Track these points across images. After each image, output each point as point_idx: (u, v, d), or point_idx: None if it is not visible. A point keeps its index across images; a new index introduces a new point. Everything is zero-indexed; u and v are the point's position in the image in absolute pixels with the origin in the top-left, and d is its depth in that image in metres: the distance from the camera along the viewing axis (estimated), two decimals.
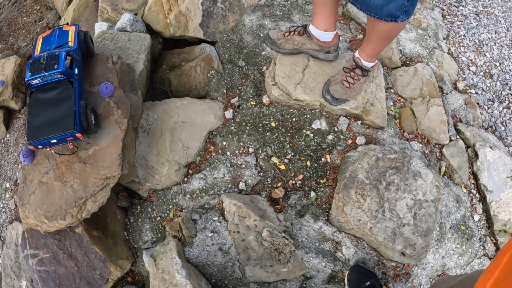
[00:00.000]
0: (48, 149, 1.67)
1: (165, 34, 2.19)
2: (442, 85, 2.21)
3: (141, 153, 1.94)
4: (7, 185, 2.41)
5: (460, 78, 2.30)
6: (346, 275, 1.79)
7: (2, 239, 2.33)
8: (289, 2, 2.39)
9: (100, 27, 2.17)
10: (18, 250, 2.15)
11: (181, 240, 1.81)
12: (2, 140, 2.57)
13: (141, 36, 2.07)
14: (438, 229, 1.88)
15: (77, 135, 1.61)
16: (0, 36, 3.42)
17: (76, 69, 1.73)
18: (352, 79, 1.93)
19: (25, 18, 3.46)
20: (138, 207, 1.94)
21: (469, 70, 2.33)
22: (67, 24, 1.92)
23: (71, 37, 1.83)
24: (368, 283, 1.69)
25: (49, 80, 1.69)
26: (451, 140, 2.06)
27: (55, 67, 1.66)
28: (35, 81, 1.70)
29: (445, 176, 2.00)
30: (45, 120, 1.64)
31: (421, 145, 2.03)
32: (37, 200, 1.76)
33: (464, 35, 2.46)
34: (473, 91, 2.27)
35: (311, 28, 1.93)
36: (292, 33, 2.00)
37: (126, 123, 1.76)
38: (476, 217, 1.95)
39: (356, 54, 1.92)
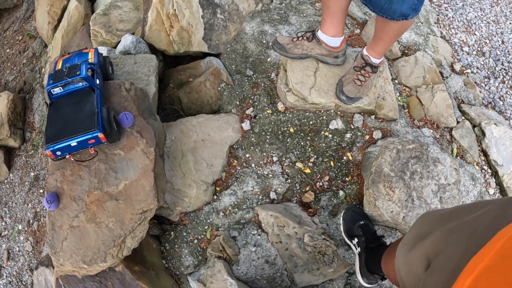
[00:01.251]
0: (67, 156, 1.55)
1: (169, 52, 2.11)
2: (442, 69, 2.28)
3: None
4: (20, 227, 2.29)
5: (456, 60, 2.38)
6: (342, 214, 1.84)
7: (24, 283, 2.23)
8: (283, 4, 2.36)
9: (99, 51, 2.06)
10: None
11: (226, 260, 1.80)
12: (6, 181, 2.42)
13: (147, 57, 1.98)
14: None
15: (99, 135, 1.51)
16: None
17: (98, 80, 1.67)
18: (363, 76, 1.96)
19: (8, 50, 3.22)
20: (172, 232, 1.90)
21: (462, 50, 2.41)
22: (86, 47, 1.83)
23: (91, 56, 1.78)
24: (362, 222, 1.74)
25: (70, 89, 1.63)
26: (458, 122, 2.14)
27: (77, 73, 1.61)
28: (56, 90, 1.63)
29: (458, 157, 2.09)
30: (65, 124, 1.55)
31: (431, 131, 2.10)
32: (71, 246, 1.68)
33: (452, 17, 2.53)
34: (469, 70, 2.35)
35: (320, 34, 1.93)
36: (300, 38, 1.99)
37: (154, 151, 1.70)
38: (491, 191, 2.06)
39: (364, 52, 1.94)
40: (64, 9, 2.77)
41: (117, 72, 1.95)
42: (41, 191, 2.28)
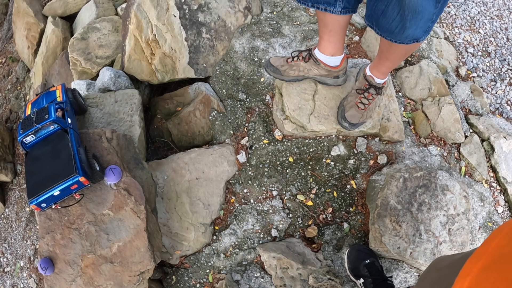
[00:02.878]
0: (53, 206, 1.43)
1: (153, 81, 1.84)
2: (447, 77, 2.01)
3: (160, 220, 1.70)
4: (21, 264, 2.14)
5: (461, 63, 2.10)
6: (346, 252, 1.70)
7: None
8: (274, 13, 2.04)
9: (78, 87, 1.79)
10: None
11: None
12: (3, 216, 2.24)
13: (128, 94, 1.73)
14: (470, 236, 1.80)
15: (80, 179, 1.37)
16: None
17: (69, 119, 1.51)
18: (367, 99, 1.70)
19: None
20: (173, 276, 1.74)
21: (467, 52, 2.12)
22: (53, 85, 1.61)
23: (58, 94, 1.59)
24: (368, 261, 1.61)
25: (43, 134, 1.48)
26: (466, 137, 1.91)
27: (46, 117, 1.46)
28: (29, 138, 1.48)
29: (466, 176, 1.88)
30: (44, 174, 1.42)
31: (438, 148, 1.88)
32: None
33: (455, 14, 2.22)
34: (475, 74, 2.09)
35: (317, 53, 1.65)
36: (296, 59, 1.71)
37: (144, 209, 1.51)
38: (500, 209, 1.88)
39: (368, 72, 1.68)
40: (42, 32, 2.45)
41: (97, 114, 1.70)
42: (38, 227, 2.11)
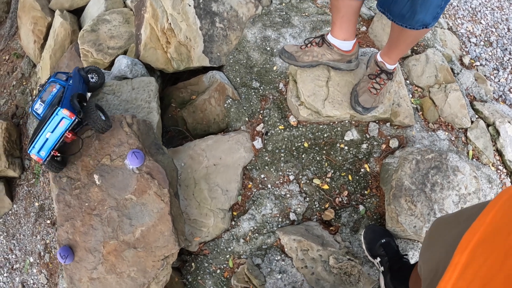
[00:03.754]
0: (52, 152, 1.40)
1: (168, 70, 1.84)
2: (452, 65, 2.08)
3: None
4: (31, 260, 2.10)
5: (464, 52, 2.17)
6: (363, 233, 1.73)
7: None
8: (283, 4, 2.08)
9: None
10: None
11: None
12: (10, 212, 2.19)
13: (145, 81, 1.72)
14: None
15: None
16: None
17: (71, 81, 1.52)
18: (379, 84, 1.74)
19: None
20: (193, 263, 1.73)
21: (470, 42, 2.19)
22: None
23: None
24: (384, 240, 1.63)
25: (49, 99, 1.49)
26: (472, 122, 1.96)
27: (48, 80, 1.53)
28: (38, 106, 1.50)
29: (474, 159, 1.93)
30: (39, 125, 1.42)
31: (446, 133, 1.93)
32: None
33: (457, 5, 2.29)
34: (478, 63, 2.16)
35: (330, 38, 1.69)
36: (309, 45, 1.74)
37: (168, 193, 1.50)
38: None
39: (379, 58, 1.72)
40: (49, 26, 2.42)
41: (115, 101, 1.69)
42: (48, 222, 2.08)
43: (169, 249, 1.47)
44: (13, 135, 2.29)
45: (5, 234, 2.22)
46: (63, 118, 1.36)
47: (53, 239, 2.02)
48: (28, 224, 2.13)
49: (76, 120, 1.39)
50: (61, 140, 1.39)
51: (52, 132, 1.37)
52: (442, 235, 0.80)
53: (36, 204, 2.16)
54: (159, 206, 1.49)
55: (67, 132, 1.38)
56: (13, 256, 2.16)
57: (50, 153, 1.39)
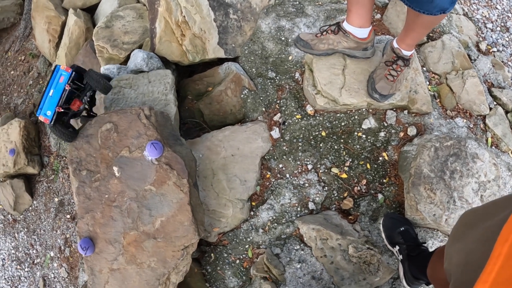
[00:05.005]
0: (56, 109, 1.49)
1: (184, 62, 1.83)
2: (469, 51, 2.04)
3: None
4: (52, 254, 2.11)
5: (480, 38, 2.13)
6: (381, 222, 1.70)
7: None
8: None
9: (108, 71, 1.78)
10: None
11: (272, 280, 1.64)
12: (31, 208, 2.20)
13: (161, 74, 1.72)
14: None
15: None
16: None
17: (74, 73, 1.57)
18: (395, 71, 1.71)
19: (12, 72, 2.87)
20: (212, 254, 1.73)
21: (486, 27, 2.15)
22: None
23: None
24: (402, 228, 1.61)
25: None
26: (490, 109, 1.92)
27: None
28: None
29: (493, 147, 1.89)
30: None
31: (465, 120, 1.89)
32: None
33: None
34: (495, 49, 2.11)
35: (346, 25, 1.67)
36: (325, 33, 1.72)
37: (187, 183, 1.49)
38: None
39: (395, 44, 1.69)
40: (63, 25, 2.43)
41: (132, 94, 1.69)
42: (68, 216, 2.09)
43: (188, 239, 1.46)
44: (31, 133, 2.31)
45: (25, 230, 2.24)
46: (61, 74, 1.48)
47: (73, 234, 2.03)
48: (48, 219, 2.15)
49: (73, 73, 1.49)
50: (64, 96, 1.49)
51: (55, 89, 1.48)
52: (472, 228, 0.79)
53: (56, 199, 2.17)
54: (179, 196, 1.48)
55: (67, 85, 1.48)
56: (34, 251, 2.18)
57: (55, 111, 1.48)
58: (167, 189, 1.49)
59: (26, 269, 2.20)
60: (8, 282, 2.24)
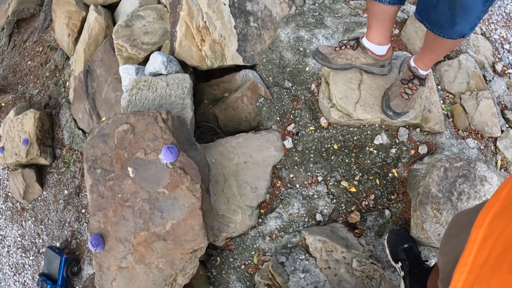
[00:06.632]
0: None
1: (202, 67, 1.87)
2: (484, 72, 2.06)
3: None
4: (58, 245, 2.15)
5: (497, 59, 2.15)
6: (386, 237, 1.74)
7: None
8: (316, 4, 2.08)
9: (126, 71, 1.82)
10: None
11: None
12: (40, 198, 2.25)
13: (180, 78, 1.76)
14: None
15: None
16: (8, 85, 2.88)
17: None
18: (411, 90, 1.74)
19: (29, 62, 2.91)
20: (218, 258, 1.77)
21: (503, 48, 2.17)
22: None
23: None
24: (406, 245, 1.64)
25: None
26: (502, 131, 1.95)
27: None
28: None
29: (502, 170, 1.92)
30: None
31: (476, 141, 1.92)
32: (120, 286, 1.57)
33: (491, 10, 2.27)
34: (510, 70, 2.13)
35: (365, 42, 1.70)
36: (343, 48, 1.75)
37: (200, 188, 1.53)
38: None
39: (412, 63, 1.72)
40: (83, 20, 2.46)
41: (150, 96, 1.73)
42: (77, 210, 2.13)
43: (198, 243, 1.51)
44: (45, 124, 2.35)
45: (33, 219, 2.28)
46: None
47: (81, 227, 2.07)
48: (56, 210, 2.19)
49: None
50: None
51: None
52: (462, 228, 0.82)
53: (66, 192, 2.22)
54: (191, 201, 1.52)
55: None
56: (40, 241, 2.23)
57: None
58: (180, 193, 1.53)
59: (31, 258, 2.25)
60: (11, 268, 2.29)
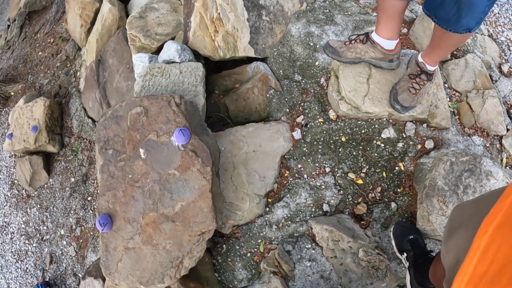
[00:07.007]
0: None
1: (214, 58, 1.94)
2: (491, 72, 2.13)
3: None
4: (62, 232, 2.19)
5: (503, 60, 2.23)
6: (392, 229, 1.78)
7: (67, 287, 2.15)
8: (327, 2, 2.16)
9: (140, 59, 1.89)
10: None
11: (282, 275, 1.72)
12: (46, 186, 2.30)
13: (193, 66, 1.82)
14: None
15: None
16: (18, 75, 2.96)
17: None
18: (418, 85, 1.81)
19: (40, 53, 2.99)
20: (224, 245, 1.81)
21: (510, 50, 2.25)
22: None
23: None
24: (411, 236, 1.68)
25: None
26: (507, 130, 2.01)
27: None
28: None
29: (507, 167, 1.98)
30: None
31: (481, 139, 1.98)
32: (126, 267, 1.59)
33: (498, 13, 2.35)
34: None
35: (374, 36, 1.77)
36: (353, 42, 1.82)
37: (210, 171, 1.58)
38: None
39: (420, 59, 1.79)
40: (96, 12, 2.55)
41: (163, 82, 1.79)
42: (83, 197, 2.17)
43: (206, 225, 1.55)
44: (55, 112, 2.41)
45: (38, 206, 2.32)
46: None
47: (86, 214, 2.12)
48: (62, 198, 2.23)
49: None
50: None
51: None
52: (463, 222, 0.84)
53: (72, 179, 2.26)
54: (201, 183, 1.57)
55: None
56: (44, 228, 2.26)
57: None
58: (190, 175, 1.58)
59: (34, 245, 2.28)
60: (14, 255, 2.32)
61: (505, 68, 2.19)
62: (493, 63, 2.16)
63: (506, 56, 2.24)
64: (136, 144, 1.65)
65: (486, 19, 2.34)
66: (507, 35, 2.28)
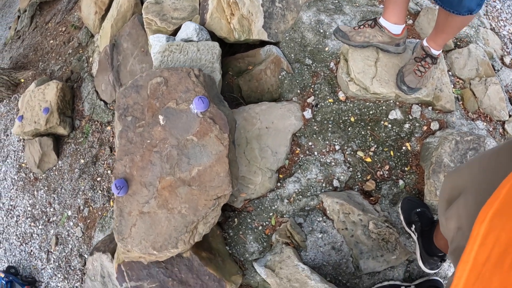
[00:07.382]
0: None
1: (230, 39, 2.06)
2: (493, 62, 2.28)
3: None
4: (69, 213, 2.24)
5: (505, 53, 2.38)
6: (400, 204, 1.85)
7: (72, 268, 2.18)
8: None
9: (157, 39, 2.00)
10: (106, 282, 2.02)
11: (294, 246, 1.78)
12: (55, 168, 2.35)
13: (210, 45, 1.94)
14: None
15: None
16: (28, 63, 3.06)
17: None
18: (423, 67, 1.94)
19: (51, 42, 3.11)
20: (235, 219, 1.88)
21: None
22: None
23: None
24: (419, 209, 1.75)
25: None
26: (510, 116, 2.14)
27: None
28: None
29: None
30: None
31: (485, 123, 2.10)
32: (140, 232, 1.64)
33: (500, 8, 2.53)
34: None
35: (382, 21, 1.91)
36: (362, 26, 1.97)
37: (228, 137, 1.67)
38: None
39: (425, 43, 1.93)
40: None
41: (181, 58, 1.90)
42: (92, 178, 2.23)
43: (222, 190, 1.62)
44: (67, 95, 2.49)
45: (46, 188, 2.36)
46: None
47: (95, 195, 2.16)
48: (71, 179, 2.28)
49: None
50: None
51: None
52: (462, 190, 0.87)
53: (82, 161, 2.32)
54: (218, 148, 1.65)
55: None
56: (51, 210, 2.29)
57: None
58: (208, 140, 1.66)
59: (39, 227, 2.31)
60: (19, 238, 2.34)
61: (507, 60, 2.34)
62: (496, 55, 2.31)
63: (508, 48, 2.40)
64: (156, 112, 1.73)
65: (489, 13, 2.51)
66: (509, 29, 2.45)
